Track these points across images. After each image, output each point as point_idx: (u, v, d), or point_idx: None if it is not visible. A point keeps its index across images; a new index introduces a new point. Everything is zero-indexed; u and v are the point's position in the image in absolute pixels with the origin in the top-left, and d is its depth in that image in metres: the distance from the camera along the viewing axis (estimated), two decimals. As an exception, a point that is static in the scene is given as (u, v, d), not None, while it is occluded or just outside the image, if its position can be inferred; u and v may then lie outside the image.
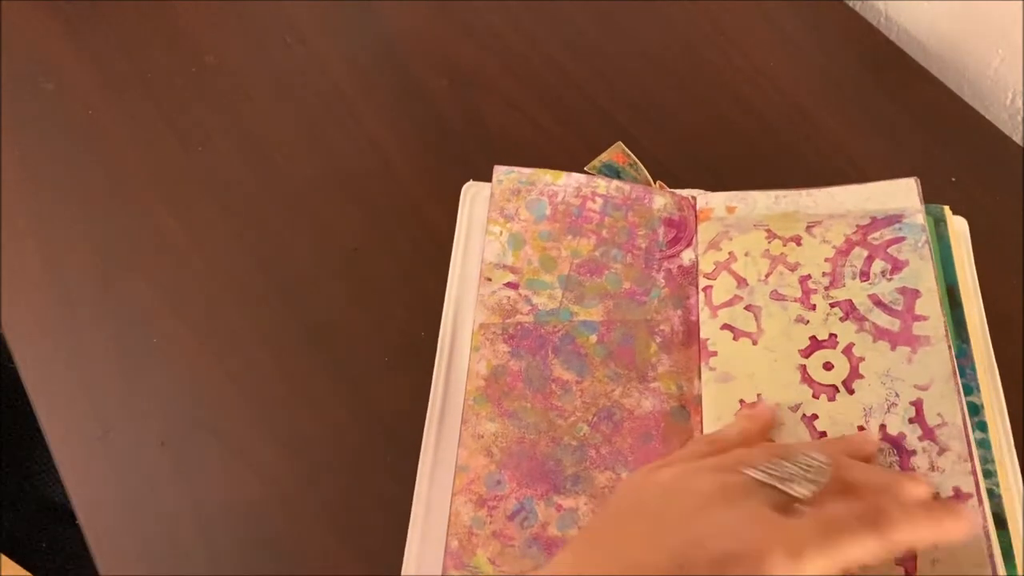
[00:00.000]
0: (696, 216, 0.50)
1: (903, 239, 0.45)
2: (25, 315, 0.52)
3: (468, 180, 0.53)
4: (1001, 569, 0.37)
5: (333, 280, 0.53)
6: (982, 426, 0.42)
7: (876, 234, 0.46)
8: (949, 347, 0.42)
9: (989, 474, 0.41)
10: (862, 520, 0.33)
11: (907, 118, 0.59)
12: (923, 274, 0.44)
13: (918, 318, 0.43)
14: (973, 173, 0.56)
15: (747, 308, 0.45)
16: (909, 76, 0.61)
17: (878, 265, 0.45)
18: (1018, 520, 0.40)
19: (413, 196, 0.56)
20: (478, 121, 0.59)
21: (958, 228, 0.50)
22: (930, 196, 0.47)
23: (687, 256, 0.49)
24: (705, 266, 0.48)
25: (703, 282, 0.47)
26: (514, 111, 0.59)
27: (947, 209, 0.48)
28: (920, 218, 0.46)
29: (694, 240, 0.49)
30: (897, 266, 0.45)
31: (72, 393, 0.50)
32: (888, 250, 0.45)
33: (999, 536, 0.39)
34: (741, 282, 0.46)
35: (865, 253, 0.45)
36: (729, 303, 0.46)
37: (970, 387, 0.43)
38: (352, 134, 0.59)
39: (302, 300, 0.52)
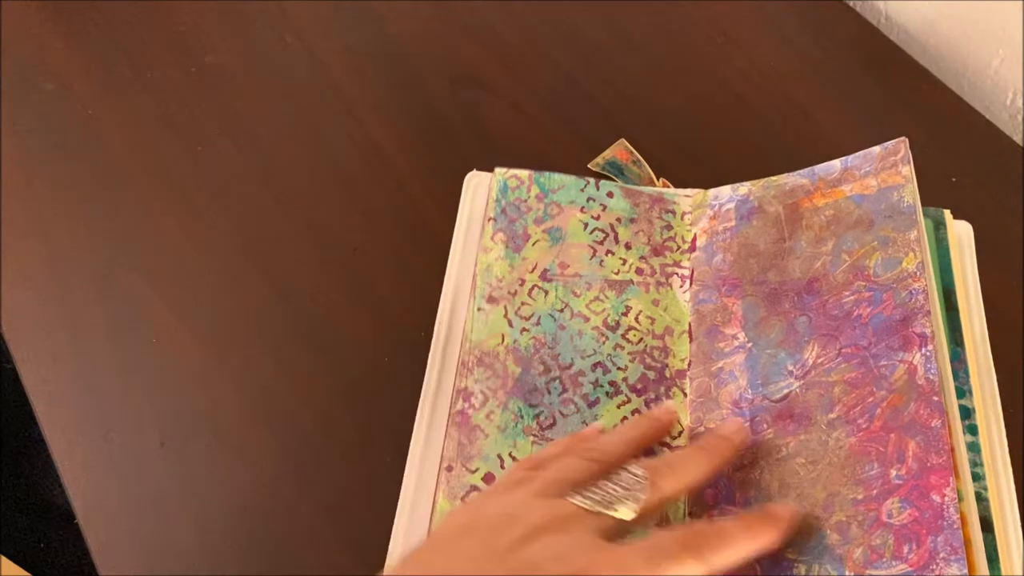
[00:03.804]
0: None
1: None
2: (25, 315, 0.52)
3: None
4: (984, 570, 0.37)
5: (333, 280, 0.53)
6: (972, 429, 0.42)
7: None
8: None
9: (977, 477, 0.41)
10: (684, 546, 0.35)
11: (907, 118, 0.59)
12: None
13: None
14: (973, 173, 0.56)
15: None
16: (909, 76, 0.61)
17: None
18: (1006, 523, 0.40)
19: (413, 196, 0.56)
20: (478, 121, 0.59)
21: (961, 232, 0.50)
22: (930, 197, 0.47)
23: None
24: None
25: None
26: (514, 111, 0.59)
27: (947, 213, 0.48)
28: None
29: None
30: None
31: (72, 393, 0.50)
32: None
33: (984, 540, 0.39)
34: None
35: None
36: None
37: (962, 390, 0.43)
38: (352, 134, 0.59)
39: (302, 300, 0.52)
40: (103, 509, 0.46)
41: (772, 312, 0.44)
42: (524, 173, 0.51)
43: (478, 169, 0.52)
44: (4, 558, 0.86)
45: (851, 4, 0.66)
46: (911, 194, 0.44)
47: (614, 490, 0.37)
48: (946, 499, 0.36)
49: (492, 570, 0.33)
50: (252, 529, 0.46)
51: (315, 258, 0.54)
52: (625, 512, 0.36)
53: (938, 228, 0.48)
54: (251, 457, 0.47)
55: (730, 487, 0.41)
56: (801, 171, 0.48)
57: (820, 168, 0.47)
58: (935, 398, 0.38)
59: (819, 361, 0.42)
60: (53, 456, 0.48)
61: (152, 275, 0.53)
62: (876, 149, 0.46)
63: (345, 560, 0.44)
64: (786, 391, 0.42)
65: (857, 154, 0.46)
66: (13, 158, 0.58)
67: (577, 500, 0.36)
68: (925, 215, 0.47)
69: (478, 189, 0.52)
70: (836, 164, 0.47)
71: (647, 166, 0.54)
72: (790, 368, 0.42)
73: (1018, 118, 0.61)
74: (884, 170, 0.45)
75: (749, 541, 0.36)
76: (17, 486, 0.96)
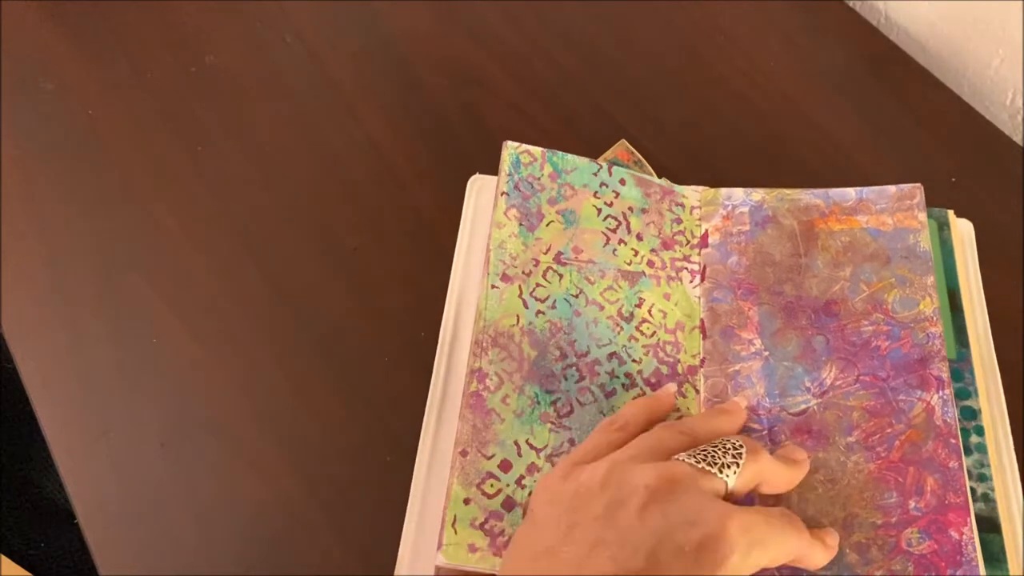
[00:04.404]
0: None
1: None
2: (25, 315, 0.52)
3: (467, 180, 0.53)
4: (982, 570, 0.38)
5: (333, 280, 0.53)
6: (979, 430, 0.42)
7: None
8: None
9: (984, 478, 0.41)
10: (789, 520, 0.36)
11: (907, 118, 0.59)
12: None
13: None
14: (973, 173, 0.56)
15: None
16: (909, 76, 0.61)
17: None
18: (1015, 523, 0.40)
19: (413, 196, 0.56)
20: (478, 121, 0.59)
21: (963, 231, 0.50)
22: (930, 197, 0.47)
23: None
24: None
25: None
26: (514, 111, 0.59)
27: (951, 213, 0.48)
28: None
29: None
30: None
31: (72, 393, 0.50)
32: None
33: (992, 540, 0.40)
34: None
35: None
36: None
37: (967, 391, 0.43)
38: (352, 134, 0.59)
39: (302, 300, 0.52)
40: (103, 509, 0.46)
41: (789, 325, 0.45)
42: (537, 150, 0.50)
43: (480, 172, 0.52)
44: (4, 558, 0.86)
45: (851, 4, 0.66)
46: (927, 240, 0.46)
47: (719, 453, 0.36)
48: (964, 537, 0.38)
49: (624, 548, 0.32)
50: (252, 529, 0.46)
51: (315, 258, 0.54)
52: (730, 476, 0.36)
53: (942, 229, 0.48)
54: (251, 457, 0.47)
55: (750, 493, 0.41)
56: (814, 191, 0.49)
57: (834, 193, 0.48)
58: (952, 440, 0.40)
59: (837, 383, 0.43)
60: (53, 455, 0.48)
61: (152, 275, 0.53)
62: (891, 188, 0.48)
63: (345, 560, 0.44)
64: (804, 406, 0.43)
65: (872, 188, 0.48)
66: (13, 158, 0.58)
67: (689, 460, 0.36)
68: (929, 216, 0.47)
69: (481, 192, 0.52)
70: (851, 192, 0.48)
71: (649, 166, 0.54)
72: (807, 384, 0.43)
73: (1018, 118, 0.61)
74: (900, 211, 0.47)
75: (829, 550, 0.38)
76: (17, 485, 0.96)
